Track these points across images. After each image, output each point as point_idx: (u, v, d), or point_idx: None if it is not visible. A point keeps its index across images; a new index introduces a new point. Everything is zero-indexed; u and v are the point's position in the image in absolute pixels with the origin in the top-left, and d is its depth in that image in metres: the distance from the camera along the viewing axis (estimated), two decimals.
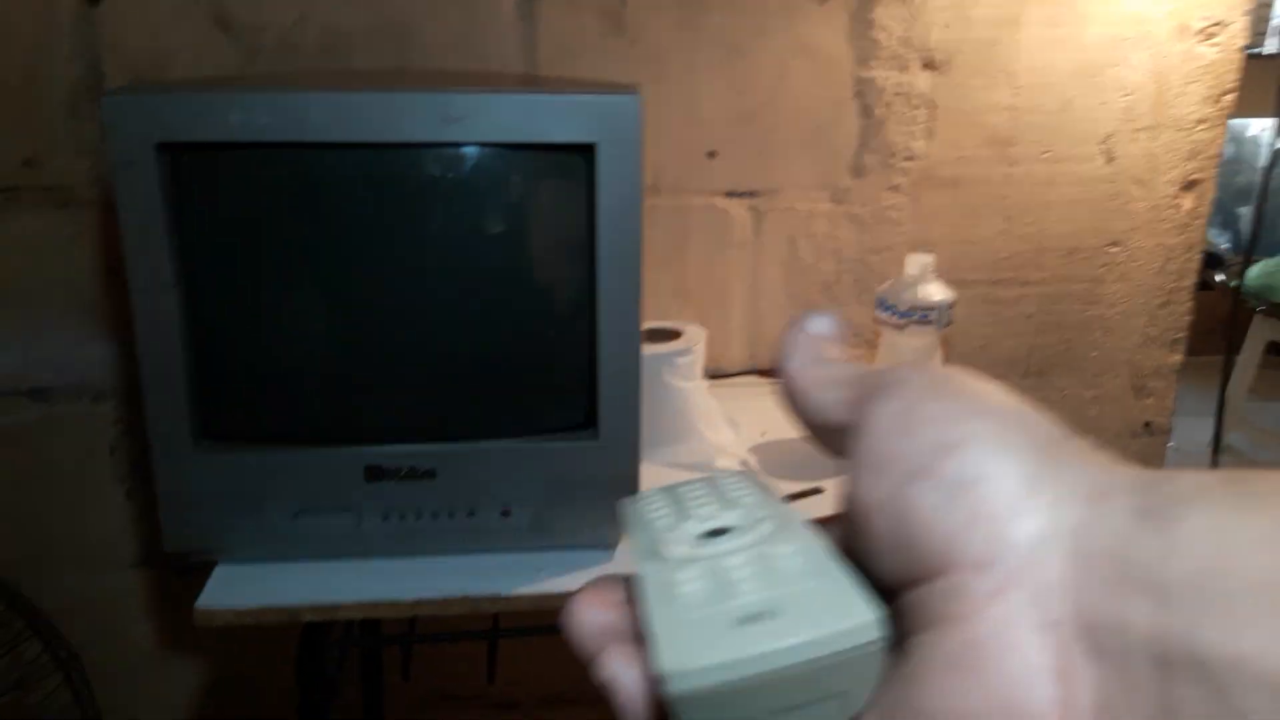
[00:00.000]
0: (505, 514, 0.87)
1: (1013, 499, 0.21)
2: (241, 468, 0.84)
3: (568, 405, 0.87)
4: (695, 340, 1.10)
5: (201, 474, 0.84)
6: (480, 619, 1.16)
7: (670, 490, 0.33)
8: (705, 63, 1.23)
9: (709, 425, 1.08)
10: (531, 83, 0.80)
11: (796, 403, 0.28)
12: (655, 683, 0.23)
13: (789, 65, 1.24)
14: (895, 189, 1.30)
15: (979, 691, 0.20)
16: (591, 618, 0.27)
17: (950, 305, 1.04)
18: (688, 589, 0.25)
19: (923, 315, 1.03)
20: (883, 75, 1.25)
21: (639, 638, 0.26)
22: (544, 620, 0.98)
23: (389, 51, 1.18)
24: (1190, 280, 1.39)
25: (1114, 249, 1.36)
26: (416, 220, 0.81)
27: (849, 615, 0.22)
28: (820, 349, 0.29)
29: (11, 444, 1.29)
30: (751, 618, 0.23)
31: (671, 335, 1.11)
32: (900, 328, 1.04)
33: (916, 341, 1.05)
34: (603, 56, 1.22)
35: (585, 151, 0.79)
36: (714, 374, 1.32)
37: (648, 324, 1.05)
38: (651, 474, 1.03)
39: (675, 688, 0.22)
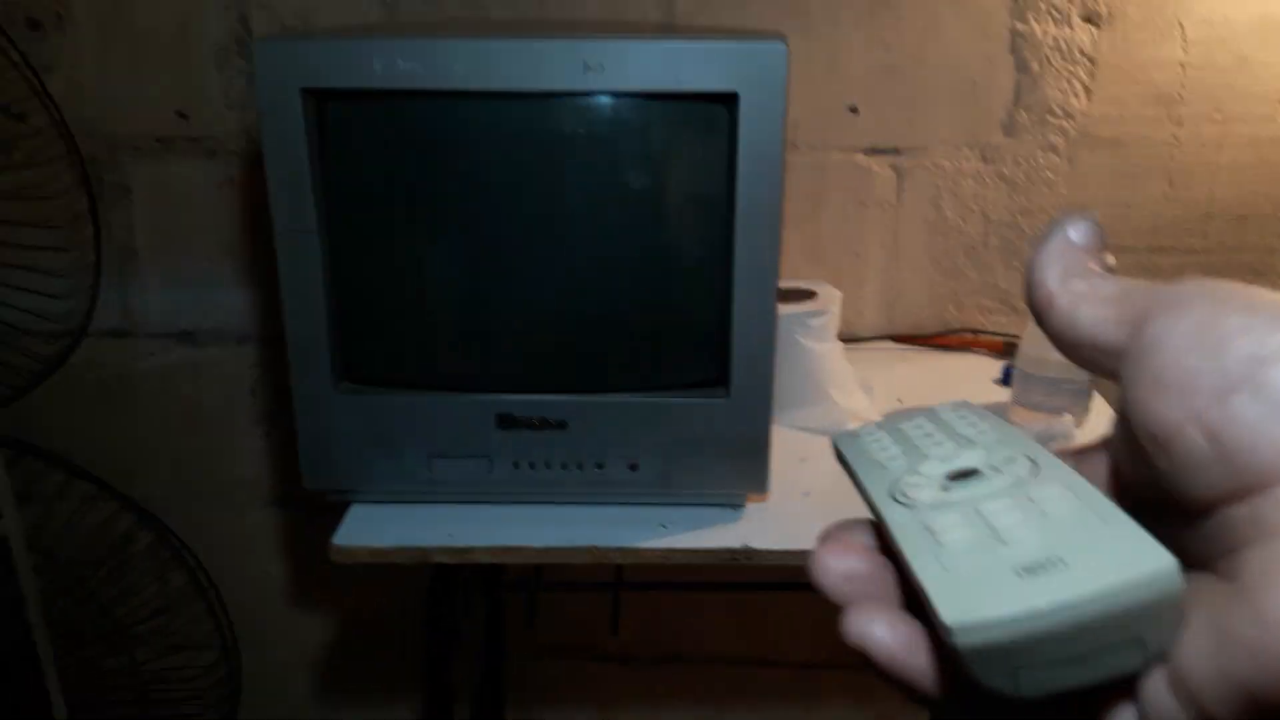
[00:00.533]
0: (633, 467, 0.87)
1: None
2: (379, 411, 0.86)
3: (700, 362, 0.86)
4: (831, 301, 1.06)
5: (340, 416, 0.86)
6: (605, 571, 1.16)
7: (889, 425, 0.31)
8: (849, 13, 1.18)
9: (841, 389, 1.05)
10: (672, 30, 0.78)
11: (1057, 321, 0.26)
12: (939, 634, 0.22)
13: (939, 16, 1.18)
14: (1050, 148, 1.23)
15: None
16: (839, 565, 0.27)
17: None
18: (952, 536, 0.24)
19: None
20: (1040, 28, 1.18)
21: (891, 586, 0.26)
22: (668, 575, 0.98)
23: (527, 1, 1.18)
24: None
25: None
26: (554, 170, 0.80)
27: (1144, 561, 0.21)
28: (1083, 260, 0.27)
29: (161, 384, 1.36)
30: (1035, 567, 0.22)
31: (806, 295, 1.08)
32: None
33: None
34: (741, 7, 1.18)
35: (727, 101, 0.77)
36: (847, 338, 1.28)
37: (782, 283, 1.02)
38: (781, 436, 1.01)
39: (963, 640, 0.21)
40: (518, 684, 1.53)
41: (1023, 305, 1.27)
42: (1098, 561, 0.22)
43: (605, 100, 0.77)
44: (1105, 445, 0.27)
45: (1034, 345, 1.03)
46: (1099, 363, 0.25)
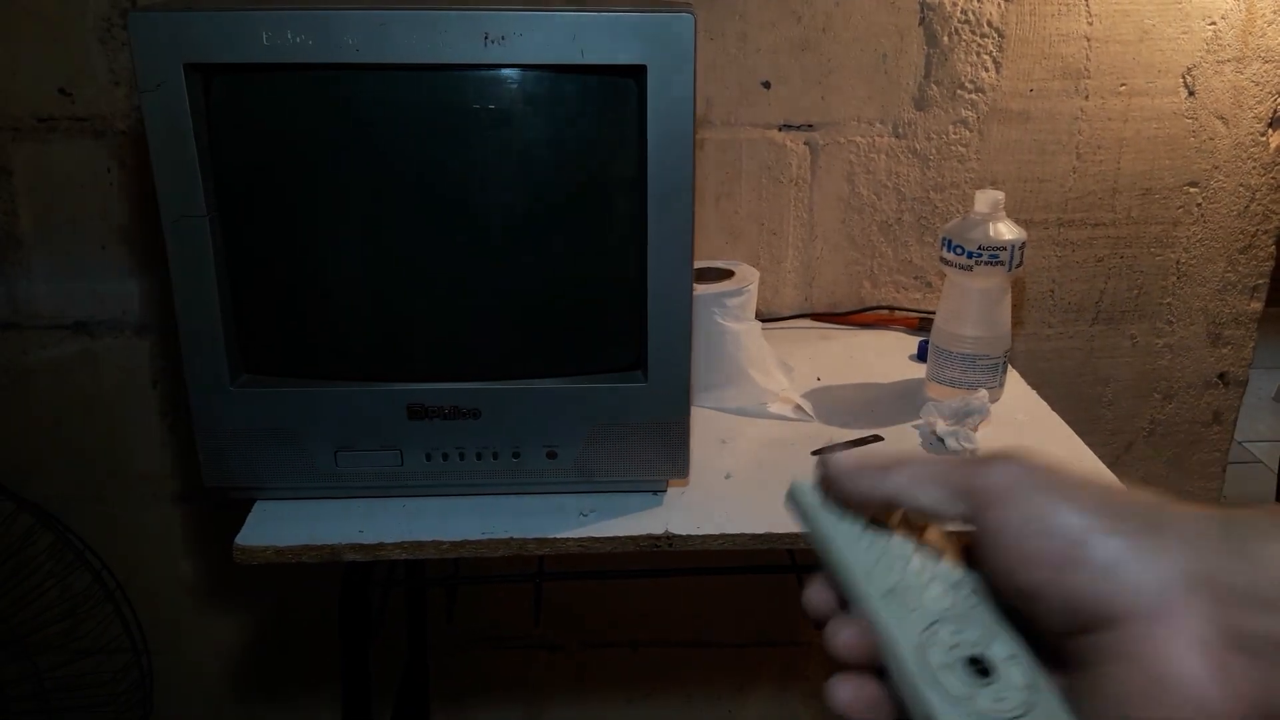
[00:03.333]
0: (551, 455, 0.85)
1: (1143, 566, 0.28)
2: (280, 404, 0.82)
3: (616, 345, 0.84)
4: (748, 280, 1.05)
5: (239, 410, 0.82)
6: (525, 561, 1.14)
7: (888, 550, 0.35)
8: None
9: (761, 369, 1.04)
10: (578, 1, 0.76)
11: (902, 505, 0.34)
12: None
13: None
14: (961, 123, 1.23)
15: (1167, 704, 0.27)
16: (855, 697, 0.33)
17: (1022, 245, 0.98)
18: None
19: (992, 256, 0.97)
20: (949, 0, 1.18)
21: None
22: (589, 564, 0.96)
23: None
24: (1275, 223, 1.31)
25: (1193, 189, 1.29)
26: (457, 147, 0.77)
27: None
28: (870, 464, 0.34)
29: (54, 377, 1.29)
30: None
31: (723, 275, 1.07)
32: (968, 269, 0.98)
33: (984, 284, 0.99)
34: None
35: (635, 74, 0.74)
36: (766, 317, 1.28)
37: (698, 263, 1.01)
38: (701, 417, 1.00)
39: None
40: (442, 677, 1.51)
41: (937, 281, 1.28)
42: None
43: (508, 74, 0.75)
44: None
45: (948, 321, 1.03)
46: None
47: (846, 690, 0.33)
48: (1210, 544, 0.28)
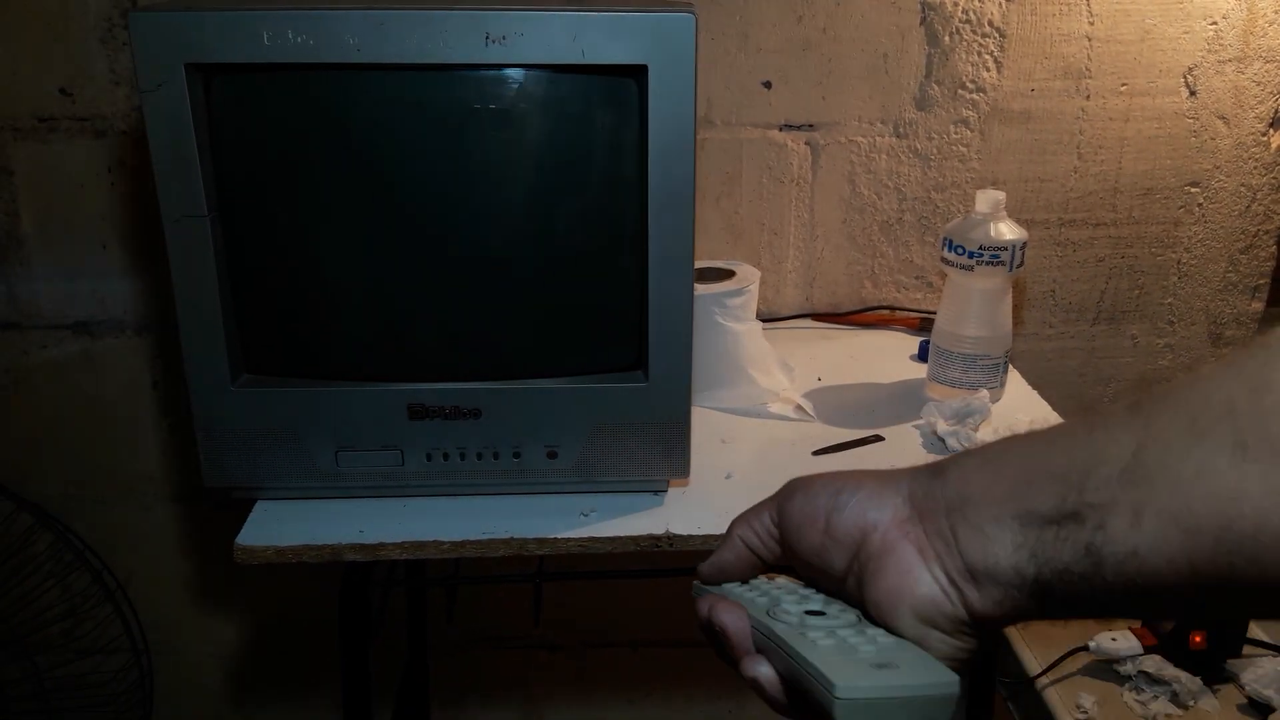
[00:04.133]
0: (551, 455, 0.84)
1: (879, 499, 0.41)
2: (280, 404, 0.82)
3: (616, 345, 0.84)
4: (749, 280, 1.05)
5: (239, 410, 0.82)
6: (525, 561, 1.14)
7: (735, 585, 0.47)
8: None
9: (762, 369, 1.04)
10: (579, 1, 0.76)
11: (730, 572, 0.48)
12: (815, 694, 0.36)
13: None
14: (962, 123, 1.23)
15: (902, 571, 0.39)
16: (732, 625, 0.43)
17: (1023, 245, 0.98)
18: (822, 643, 0.38)
19: (993, 256, 0.97)
20: (950, 0, 1.18)
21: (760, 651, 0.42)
22: (589, 564, 0.96)
23: None
24: (1276, 223, 1.31)
25: (1194, 189, 1.28)
26: (457, 147, 0.77)
27: (944, 676, 0.37)
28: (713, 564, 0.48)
29: (55, 377, 1.29)
30: (881, 665, 0.36)
31: (724, 275, 1.07)
32: (969, 269, 0.98)
33: (986, 284, 0.99)
34: None
35: (636, 74, 0.74)
36: (767, 317, 1.28)
37: (699, 263, 1.01)
38: (701, 417, 1.00)
39: (842, 698, 0.34)
40: (442, 677, 1.50)
41: (938, 281, 1.28)
42: (918, 671, 0.37)
43: (509, 74, 0.75)
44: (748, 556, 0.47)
45: (949, 321, 1.03)
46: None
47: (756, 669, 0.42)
48: (920, 477, 0.40)
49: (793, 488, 0.45)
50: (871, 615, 0.40)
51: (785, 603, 0.43)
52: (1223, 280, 1.33)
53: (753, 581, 0.47)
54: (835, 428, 1.00)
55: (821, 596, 0.44)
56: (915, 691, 0.35)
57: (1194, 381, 0.33)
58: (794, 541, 0.44)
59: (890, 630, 0.39)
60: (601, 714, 1.57)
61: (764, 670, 0.41)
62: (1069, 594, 0.35)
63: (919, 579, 0.39)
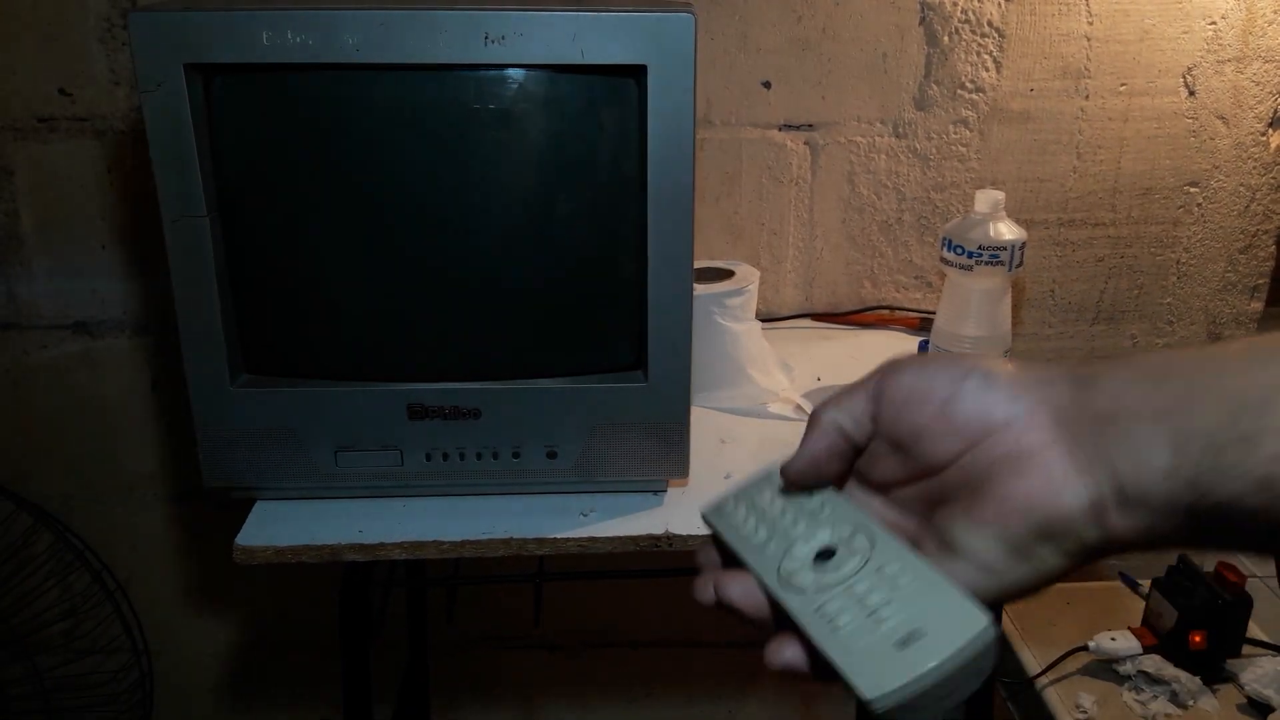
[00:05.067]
0: (551, 455, 0.84)
1: (1010, 393, 0.37)
2: (280, 404, 0.82)
3: (615, 345, 0.84)
4: (748, 280, 1.05)
5: (239, 410, 0.82)
6: (525, 561, 1.14)
7: (744, 497, 0.44)
8: None
9: (761, 369, 1.04)
10: (578, 1, 0.76)
11: (829, 455, 0.41)
12: (850, 686, 0.34)
13: None
14: (962, 123, 1.23)
15: (1037, 482, 0.35)
16: (746, 602, 0.39)
17: (1022, 245, 0.98)
18: (843, 621, 0.36)
19: (993, 256, 0.97)
20: (950, 0, 1.18)
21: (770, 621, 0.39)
22: (590, 564, 0.96)
23: None
24: (1275, 223, 1.31)
25: (1193, 189, 1.29)
26: (457, 147, 0.77)
27: (976, 622, 0.34)
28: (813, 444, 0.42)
29: (55, 377, 1.29)
30: (905, 640, 0.34)
31: (723, 275, 1.07)
32: (968, 269, 0.98)
33: (985, 284, 0.99)
34: None
35: (635, 74, 0.74)
36: (766, 317, 1.28)
37: (698, 263, 1.01)
38: (700, 417, 1.00)
39: (881, 706, 0.33)
40: (442, 677, 1.50)
41: (937, 281, 1.28)
42: (948, 628, 0.34)
43: (508, 74, 0.75)
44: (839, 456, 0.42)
45: (948, 321, 1.03)
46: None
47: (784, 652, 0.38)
48: (1062, 382, 0.36)
49: (899, 364, 0.40)
50: (957, 511, 0.37)
51: (795, 542, 0.40)
52: (1222, 280, 1.33)
53: (755, 500, 0.43)
54: None
55: (828, 514, 0.41)
56: (949, 663, 0.33)
57: None
58: (891, 419, 0.39)
59: (980, 539, 0.36)
60: (601, 714, 1.57)
61: (791, 654, 0.37)
62: (1231, 526, 0.32)
63: (1059, 492, 0.34)
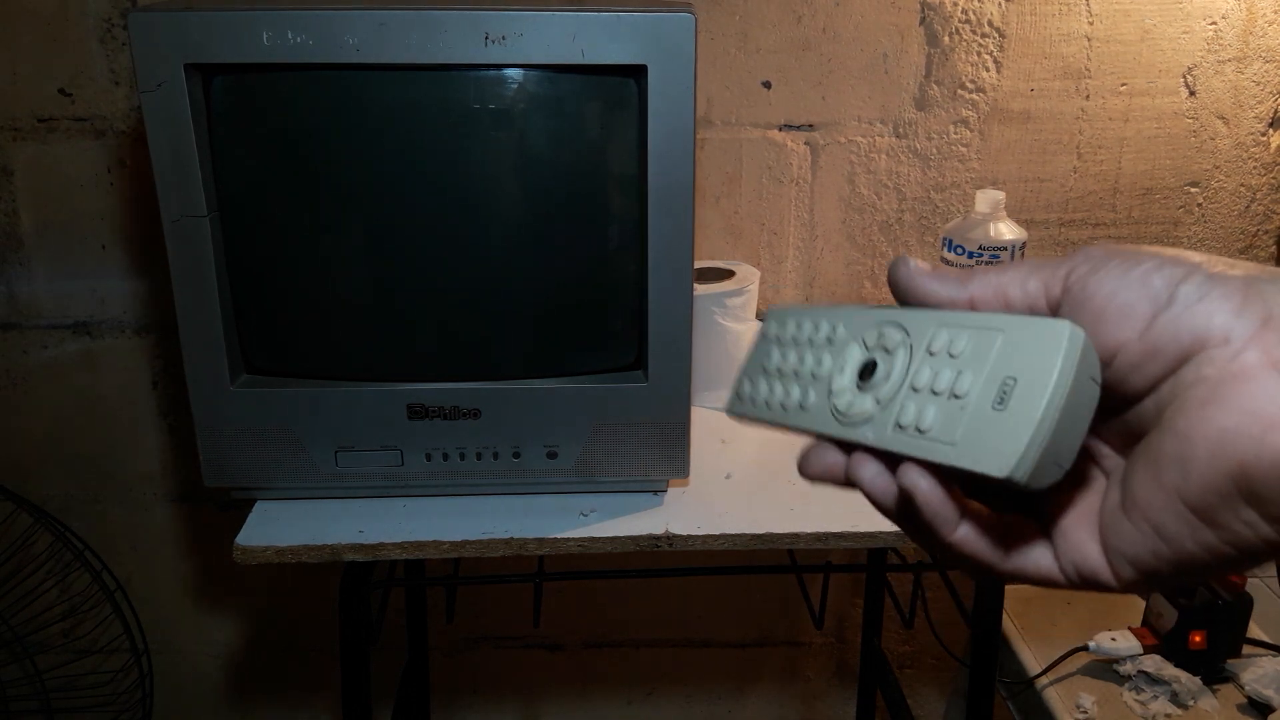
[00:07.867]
0: (551, 455, 0.84)
1: (1232, 313, 0.29)
2: (280, 404, 0.82)
3: (616, 345, 0.84)
4: (748, 280, 1.05)
5: (239, 410, 0.82)
6: (525, 561, 1.14)
7: (752, 372, 0.39)
8: None
9: None
10: (578, 1, 0.76)
11: (995, 300, 0.33)
12: (991, 481, 0.29)
13: None
14: (962, 123, 1.23)
15: (1252, 411, 0.27)
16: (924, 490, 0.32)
17: (1022, 245, 0.98)
18: (928, 421, 0.31)
19: (993, 255, 0.97)
20: (950, 0, 1.18)
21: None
22: (589, 564, 0.96)
23: None
24: (1276, 223, 1.31)
25: (1193, 189, 1.28)
26: (457, 147, 0.77)
27: (1054, 333, 0.29)
28: (951, 269, 0.35)
29: (54, 377, 1.29)
30: (1000, 398, 0.29)
31: (723, 275, 1.07)
32: (968, 269, 0.98)
33: None
34: None
35: (636, 74, 0.74)
36: None
37: (698, 263, 1.01)
38: (701, 417, 1.00)
39: (1020, 475, 0.28)
40: (442, 677, 1.50)
41: None
42: (1031, 359, 0.29)
43: (508, 74, 0.75)
44: None
45: None
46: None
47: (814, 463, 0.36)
48: (1272, 288, 0.29)
49: (1099, 256, 0.32)
50: (1137, 454, 0.31)
51: (833, 378, 0.35)
52: None
53: (766, 366, 0.39)
54: None
55: (842, 331, 0.36)
56: (1060, 389, 0.28)
57: None
58: (1084, 329, 0.30)
59: (1156, 490, 0.29)
60: (601, 714, 1.57)
61: (924, 483, 0.31)
62: None
63: (1276, 428, 0.26)
